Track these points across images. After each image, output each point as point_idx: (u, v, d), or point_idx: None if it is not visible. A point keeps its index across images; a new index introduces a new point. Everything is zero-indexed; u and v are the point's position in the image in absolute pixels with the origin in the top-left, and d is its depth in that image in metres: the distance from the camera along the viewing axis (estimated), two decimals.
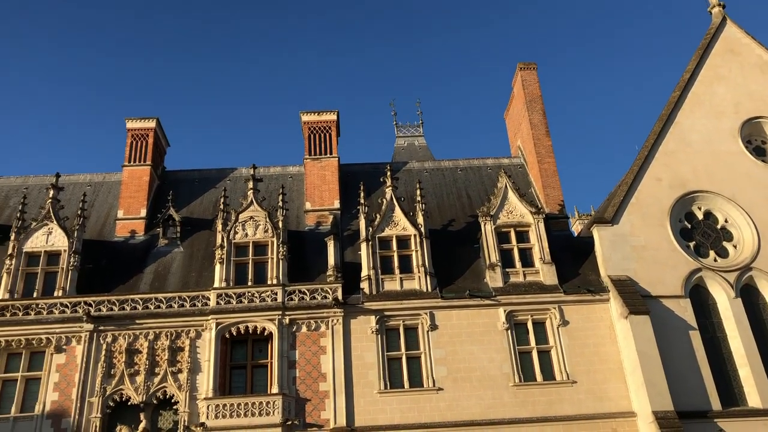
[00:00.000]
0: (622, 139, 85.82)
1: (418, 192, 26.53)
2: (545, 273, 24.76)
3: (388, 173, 26.84)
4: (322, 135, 30.07)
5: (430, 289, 24.26)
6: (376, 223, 25.48)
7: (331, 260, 24.96)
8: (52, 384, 22.33)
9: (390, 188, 26.38)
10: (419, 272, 24.61)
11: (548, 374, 23.29)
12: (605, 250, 24.99)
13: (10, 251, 24.40)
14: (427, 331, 23.62)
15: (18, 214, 25.28)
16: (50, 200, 25.70)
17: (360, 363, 23.07)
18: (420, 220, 25.66)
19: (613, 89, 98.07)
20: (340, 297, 23.78)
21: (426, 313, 23.84)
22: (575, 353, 23.41)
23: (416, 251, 25.03)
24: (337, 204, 28.48)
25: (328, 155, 29.62)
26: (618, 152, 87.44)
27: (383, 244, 25.32)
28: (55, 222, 25.18)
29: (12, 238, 24.70)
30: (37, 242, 24.87)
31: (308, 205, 28.57)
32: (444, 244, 26.36)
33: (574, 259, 25.63)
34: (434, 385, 22.74)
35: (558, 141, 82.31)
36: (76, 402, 21.95)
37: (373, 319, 23.71)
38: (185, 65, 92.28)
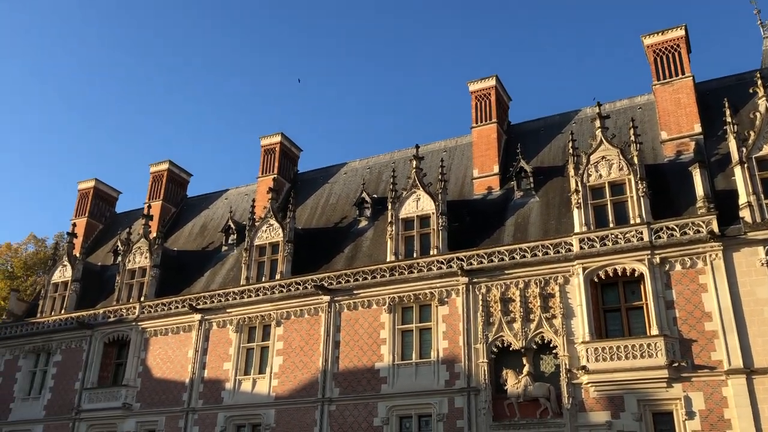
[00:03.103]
0: None
1: None
2: None
3: (759, 81, 23.22)
4: (670, 55, 27.37)
5: None
6: (750, 141, 22.34)
7: (699, 190, 22.75)
8: (441, 333, 24.76)
9: (764, 98, 22.80)
10: None
11: None
12: None
13: (389, 219, 27.66)
14: None
15: (391, 186, 28.45)
16: (414, 170, 28.37)
17: (751, 299, 20.67)
18: None
19: None
20: (715, 229, 21.54)
21: None
22: None
23: None
24: (697, 128, 25.76)
25: (680, 76, 26.86)
26: None
27: (763, 164, 22.10)
28: (421, 189, 27.75)
29: (389, 207, 27.95)
30: (409, 209, 27.71)
31: (664, 135, 26.40)
32: None
33: None
34: None
35: None
36: (464, 348, 24.00)
37: (761, 250, 20.97)
38: (515, 19, 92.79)
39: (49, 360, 32.98)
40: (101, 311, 32.18)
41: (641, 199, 23.20)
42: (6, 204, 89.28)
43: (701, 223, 21.94)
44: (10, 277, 54.00)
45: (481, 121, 30.60)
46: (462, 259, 25.10)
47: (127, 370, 30.63)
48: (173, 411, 28.62)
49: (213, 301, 29.59)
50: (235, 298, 29.11)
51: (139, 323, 31.03)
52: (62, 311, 33.66)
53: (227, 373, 28.23)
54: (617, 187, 24.07)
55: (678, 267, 21.98)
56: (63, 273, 34.81)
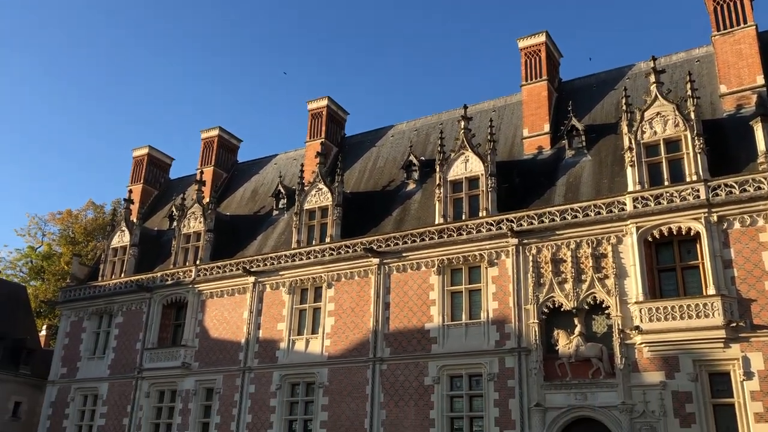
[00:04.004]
0: None
1: None
2: None
3: None
4: (731, 3, 26.04)
5: None
6: None
7: (760, 145, 21.86)
8: (491, 294, 24.74)
9: None
10: None
11: None
12: None
13: (437, 182, 27.52)
14: None
15: (438, 148, 28.20)
16: (462, 131, 28.02)
17: None
18: None
19: None
20: None
21: None
22: None
23: None
24: (760, 80, 24.65)
25: (742, 26, 25.61)
26: None
27: None
28: (470, 150, 27.42)
29: (437, 170, 27.74)
30: (457, 170, 27.46)
31: (723, 88, 25.35)
32: None
33: None
34: None
35: None
36: (514, 309, 23.96)
37: None
38: None
39: (111, 321, 34.38)
40: (159, 274, 33.26)
41: (698, 155, 22.46)
42: (66, 171, 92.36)
43: (762, 180, 21.15)
44: (72, 243, 56.25)
45: (531, 79, 29.89)
46: (512, 221, 24.86)
47: (185, 331, 31.70)
48: (230, 370, 29.57)
49: (266, 264, 30.19)
50: (287, 261, 29.63)
51: (195, 286, 31.94)
52: (122, 275, 34.90)
53: (281, 334, 28.93)
54: (672, 144, 23.33)
55: (737, 225, 21.32)
56: (121, 238, 35.98)
